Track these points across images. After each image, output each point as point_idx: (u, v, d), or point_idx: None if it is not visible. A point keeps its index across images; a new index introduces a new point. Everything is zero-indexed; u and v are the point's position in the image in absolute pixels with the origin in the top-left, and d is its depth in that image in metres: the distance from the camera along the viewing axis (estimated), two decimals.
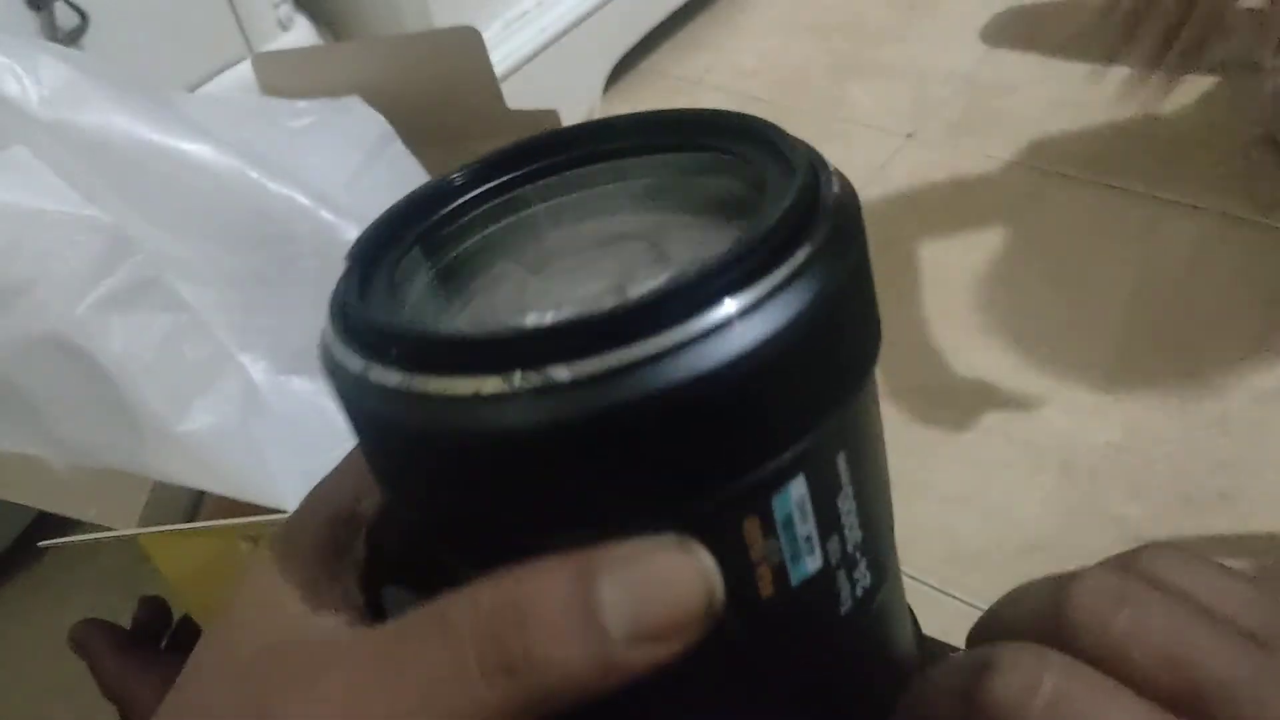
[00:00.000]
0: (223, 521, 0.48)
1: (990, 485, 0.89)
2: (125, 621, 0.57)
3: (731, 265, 0.14)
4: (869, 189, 1.22)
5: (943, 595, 0.81)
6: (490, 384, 0.14)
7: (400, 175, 0.59)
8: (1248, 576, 0.18)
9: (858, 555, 0.17)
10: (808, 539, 0.16)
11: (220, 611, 0.19)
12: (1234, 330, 0.97)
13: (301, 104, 0.60)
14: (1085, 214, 1.14)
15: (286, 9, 0.99)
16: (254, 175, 0.51)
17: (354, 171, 0.57)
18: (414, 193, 0.19)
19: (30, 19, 0.80)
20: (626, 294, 0.17)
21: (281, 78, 0.66)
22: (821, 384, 0.15)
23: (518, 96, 0.65)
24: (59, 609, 0.86)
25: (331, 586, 0.18)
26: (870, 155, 1.27)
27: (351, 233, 0.52)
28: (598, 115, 0.69)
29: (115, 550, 0.83)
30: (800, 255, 0.15)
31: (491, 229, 0.20)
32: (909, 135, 1.29)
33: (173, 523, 0.53)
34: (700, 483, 0.15)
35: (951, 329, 1.00)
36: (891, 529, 0.18)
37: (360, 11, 1.11)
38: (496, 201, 0.20)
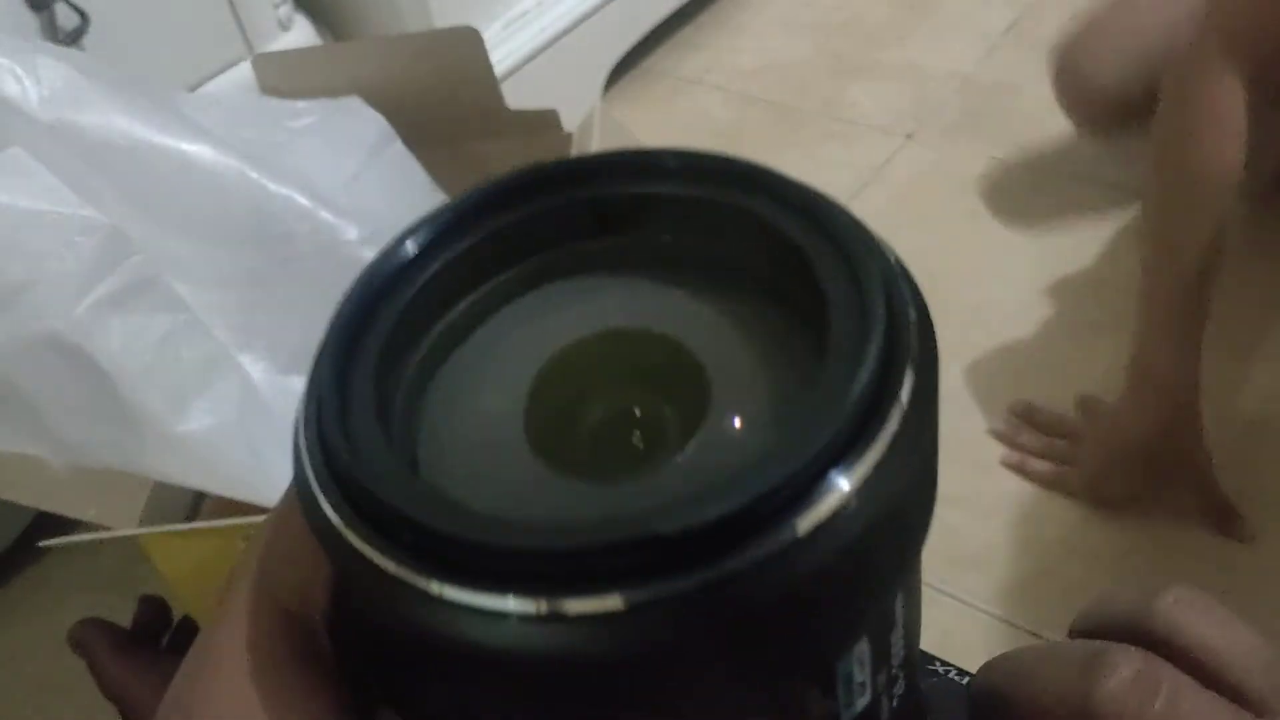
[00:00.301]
0: (222, 521, 0.48)
1: (990, 485, 0.89)
2: (125, 621, 0.57)
3: (838, 434, 0.12)
4: (869, 189, 1.22)
5: (942, 595, 0.81)
6: (588, 604, 0.11)
7: (400, 175, 0.59)
8: (1261, 636, 0.18)
9: (899, 674, 0.16)
10: (861, 684, 0.15)
11: None
12: (1235, 329, 0.97)
13: (301, 104, 0.60)
14: (1084, 214, 1.14)
15: (286, 9, 0.99)
16: (254, 175, 0.51)
17: (354, 172, 0.57)
18: (390, 255, 0.15)
19: (31, 19, 0.80)
20: (676, 459, 0.14)
21: (281, 78, 0.66)
22: (909, 540, 0.14)
23: (517, 96, 0.65)
24: (59, 609, 0.86)
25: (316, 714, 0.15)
26: (870, 155, 1.26)
27: (351, 233, 0.52)
28: (597, 115, 0.67)
29: (115, 550, 0.83)
30: (894, 415, 0.12)
31: (472, 305, 0.16)
32: (909, 135, 1.29)
33: (172, 523, 0.53)
34: (775, 676, 0.13)
35: (951, 329, 0.99)
36: (919, 635, 0.18)
37: (360, 12, 1.11)
38: (482, 267, 0.16)
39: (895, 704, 0.16)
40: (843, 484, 0.12)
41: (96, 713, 0.55)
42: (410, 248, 0.16)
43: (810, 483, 0.11)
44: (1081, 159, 1.20)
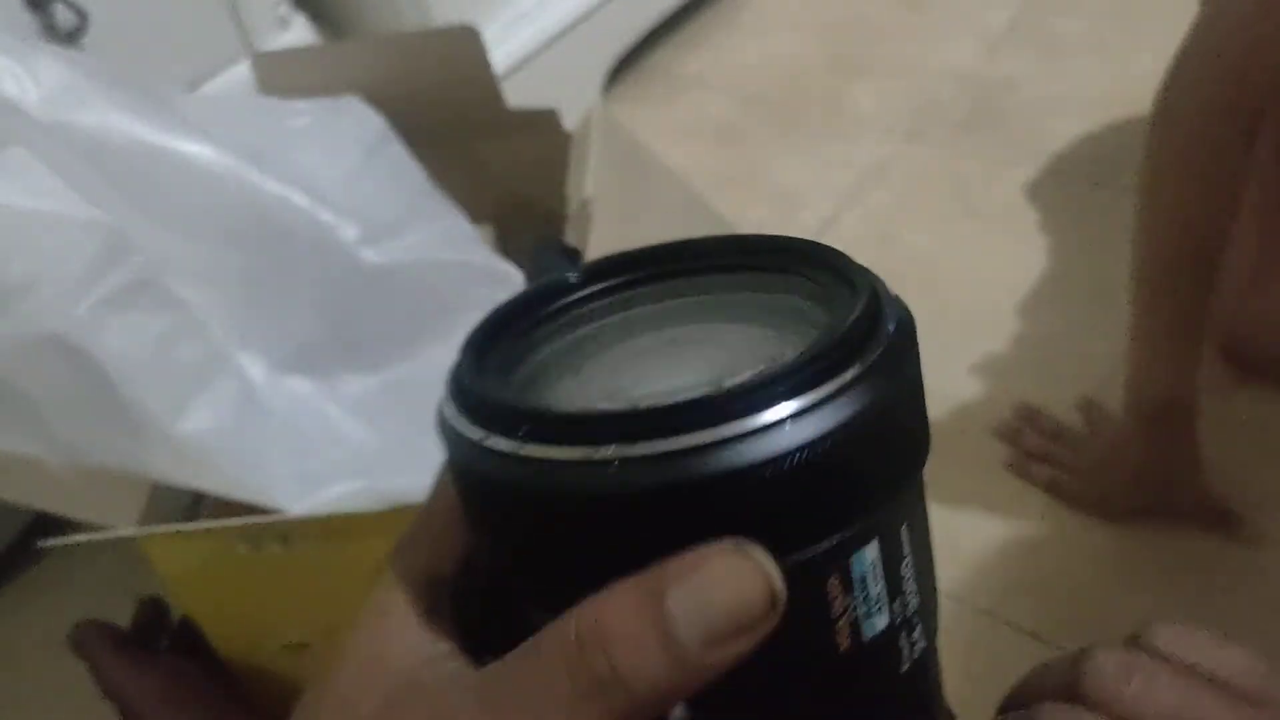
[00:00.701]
0: (220, 522, 0.48)
1: (990, 486, 0.89)
2: (124, 622, 0.57)
3: (789, 376, 0.16)
4: (869, 189, 1.22)
5: (942, 595, 0.81)
6: (608, 451, 0.16)
7: (398, 175, 0.59)
8: (1241, 646, 0.20)
9: (915, 619, 0.19)
10: (878, 598, 0.18)
11: (331, 668, 0.20)
12: None
13: (300, 104, 0.60)
14: (1085, 214, 1.14)
15: (285, 8, 0.99)
16: (252, 175, 0.51)
17: (352, 171, 0.57)
18: (530, 290, 0.22)
19: (29, 19, 0.80)
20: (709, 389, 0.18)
21: (280, 77, 0.66)
22: (876, 472, 0.17)
23: (517, 96, 0.65)
24: (58, 609, 0.86)
25: (439, 644, 0.19)
26: (870, 154, 1.26)
27: (350, 232, 0.52)
28: (597, 115, 0.67)
29: (114, 551, 0.83)
30: (850, 373, 0.17)
31: (588, 328, 0.22)
32: (909, 135, 1.29)
33: (171, 523, 0.53)
34: (781, 544, 0.16)
35: (950, 329, 0.99)
36: (937, 603, 0.20)
37: (359, 11, 1.11)
38: (598, 304, 0.22)
39: (916, 655, 0.19)
40: (783, 407, 0.16)
41: (96, 713, 0.55)
42: (535, 295, 0.22)
43: (760, 403, 0.16)
44: (1081, 158, 1.20)
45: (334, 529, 0.48)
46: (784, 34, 1.51)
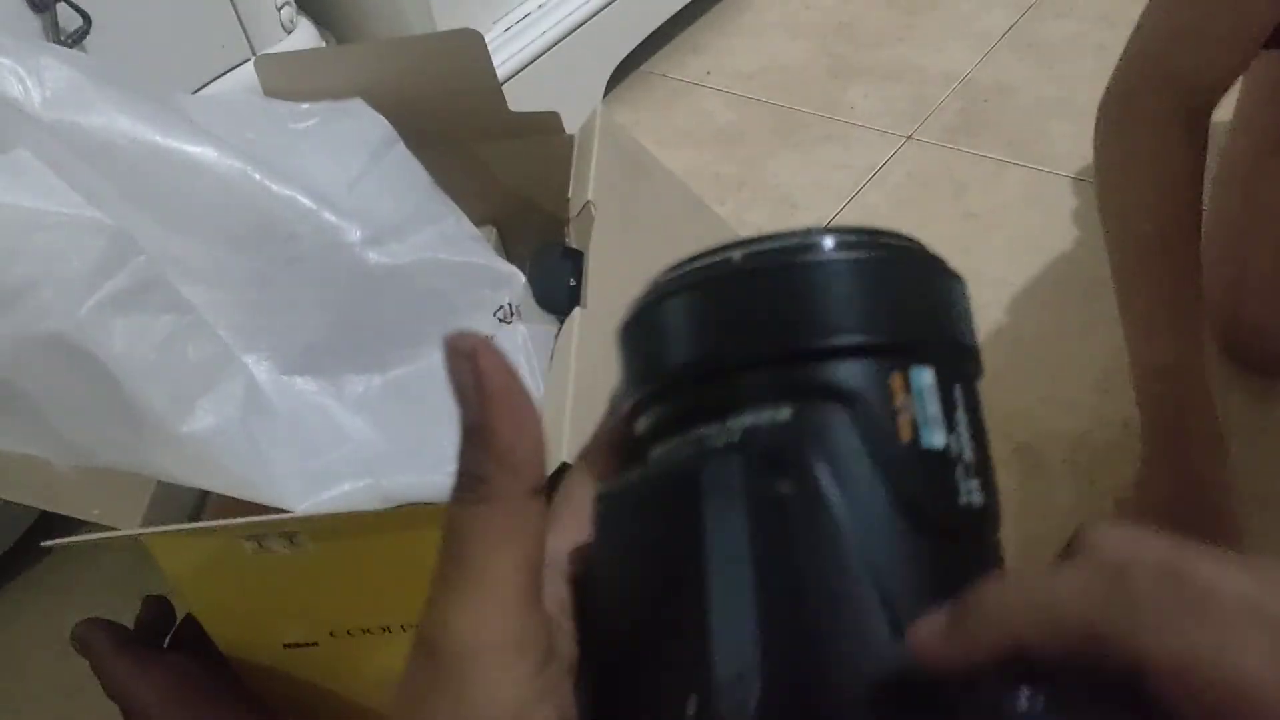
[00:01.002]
0: (226, 521, 0.48)
1: None
2: (128, 621, 0.57)
3: (837, 230, 0.23)
4: (869, 189, 1.23)
5: None
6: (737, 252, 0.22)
7: (403, 177, 0.60)
8: None
9: (971, 467, 0.22)
10: (935, 416, 0.22)
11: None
12: None
13: (304, 106, 0.61)
14: (1084, 214, 1.14)
15: (289, 11, 1.00)
16: (257, 177, 0.51)
17: (357, 173, 0.57)
18: None
19: (33, 21, 0.81)
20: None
21: (284, 80, 0.66)
22: (912, 304, 0.23)
23: (519, 99, 0.65)
24: (62, 609, 0.86)
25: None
26: (870, 155, 1.27)
27: (354, 234, 0.52)
28: (599, 118, 0.67)
29: (118, 550, 0.83)
30: (876, 241, 0.23)
31: None
32: (909, 136, 1.29)
33: (176, 522, 0.53)
34: (841, 323, 0.22)
35: None
36: (996, 490, 0.23)
37: (363, 14, 1.11)
38: None
39: (973, 503, 0.22)
40: (829, 240, 0.22)
41: (99, 713, 0.55)
42: None
43: (818, 235, 0.23)
44: (1078, 160, 1.20)
45: (339, 528, 0.48)
46: (783, 36, 1.51)
